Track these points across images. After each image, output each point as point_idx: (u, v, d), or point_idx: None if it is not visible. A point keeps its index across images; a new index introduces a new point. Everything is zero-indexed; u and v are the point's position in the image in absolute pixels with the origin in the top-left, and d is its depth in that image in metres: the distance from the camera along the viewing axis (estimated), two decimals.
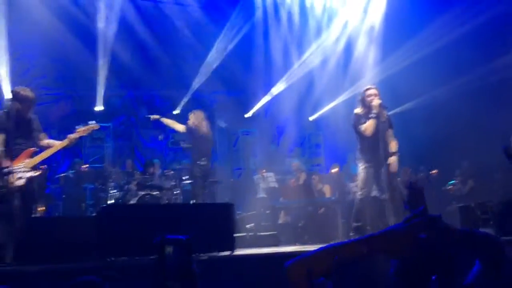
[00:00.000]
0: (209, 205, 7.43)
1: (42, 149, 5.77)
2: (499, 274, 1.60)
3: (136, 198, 8.38)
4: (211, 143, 8.30)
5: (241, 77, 11.98)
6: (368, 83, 8.70)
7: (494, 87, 10.05)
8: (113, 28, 10.14)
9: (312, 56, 11.52)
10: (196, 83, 11.63)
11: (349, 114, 7.08)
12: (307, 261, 1.51)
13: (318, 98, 12.22)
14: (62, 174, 10.34)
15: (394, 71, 10.65)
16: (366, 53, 11.42)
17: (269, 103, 12.51)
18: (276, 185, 9.91)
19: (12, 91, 5.62)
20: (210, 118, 9.97)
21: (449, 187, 10.11)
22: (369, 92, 6.44)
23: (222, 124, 11.14)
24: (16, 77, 9.40)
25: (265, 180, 9.79)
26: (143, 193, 8.46)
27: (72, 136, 5.85)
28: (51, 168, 9.65)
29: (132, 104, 13.18)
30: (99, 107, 11.15)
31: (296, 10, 11.52)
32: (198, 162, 7.96)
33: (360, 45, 11.49)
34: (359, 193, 6.49)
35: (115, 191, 9.01)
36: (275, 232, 8.36)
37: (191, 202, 8.03)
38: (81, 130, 5.96)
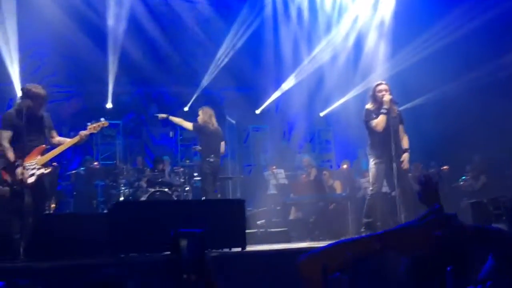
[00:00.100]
0: (220, 201, 7.46)
1: (54, 146, 5.81)
2: None
3: (147, 195, 8.42)
4: (220, 139, 8.27)
5: (251, 73, 11.95)
6: (378, 78, 8.67)
7: (504, 82, 9.98)
8: (122, 26, 10.16)
9: (322, 51, 11.47)
10: (206, 80, 11.64)
11: (360, 109, 7.06)
12: (319, 256, 1.50)
13: (328, 94, 12.17)
14: (73, 171, 10.41)
15: (404, 66, 10.59)
16: (376, 48, 11.34)
17: (279, 99, 12.49)
18: (286, 181, 9.90)
19: (23, 89, 5.65)
20: (220, 115, 9.99)
21: (461, 183, 10.03)
22: (380, 87, 6.41)
23: (232, 120, 11.13)
24: (27, 75, 9.46)
25: (275, 177, 9.79)
26: (153, 190, 8.49)
27: (83, 133, 5.89)
28: (62, 165, 9.72)
29: (141, 101, 13.22)
30: (109, 105, 11.20)
31: (305, 5, 11.46)
32: (207, 159, 7.97)
33: (370, 41, 11.41)
34: (370, 188, 6.48)
35: (125, 188, 9.05)
36: (286, 229, 8.37)
37: (202, 199, 8.04)
38: (92, 127, 6.00)
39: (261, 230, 8.19)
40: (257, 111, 12.86)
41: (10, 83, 9.42)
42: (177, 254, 1.51)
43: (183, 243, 1.52)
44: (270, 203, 9.68)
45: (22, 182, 5.29)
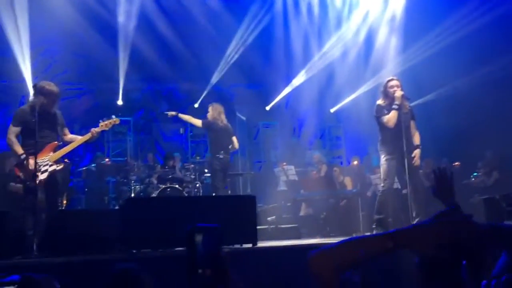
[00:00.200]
0: (231, 198, 7.47)
1: (66, 143, 5.86)
2: None
3: (157, 191, 8.46)
4: (230, 135, 8.25)
5: (261, 69, 11.93)
6: (389, 74, 8.60)
7: None
8: (133, 23, 10.19)
9: (332, 47, 11.41)
10: (216, 77, 11.64)
11: (370, 105, 7.03)
12: (330, 253, 1.49)
13: (339, 90, 12.11)
14: (85, 168, 10.48)
15: (416, 61, 10.50)
16: (387, 43, 11.25)
17: (289, 95, 12.46)
18: (296, 178, 9.90)
19: (37, 86, 5.68)
20: (230, 111, 9.99)
21: (472, 179, 9.96)
22: (391, 83, 6.38)
23: (242, 117, 11.13)
24: (39, 73, 9.53)
25: (286, 173, 9.79)
26: (164, 186, 8.53)
27: (95, 130, 5.93)
28: (73, 162, 9.78)
29: (152, 98, 13.26)
30: (120, 102, 11.26)
31: (316, 1, 11.41)
32: (216, 156, 7.98)
33: (381, 36, 11.33)
34: (381, 185, 6.46)
35: (136, 184, 9.09)
36: (296, 225, 8.37)
37: (213, 195, 8.06)
38: (103, 124, 6.04)
39: (271, 226, 8.21)
40: (267, 108, 12.85)
41: (22, 80, 9.49)
42: (193, 248, 1.52)
43: (199, 237, 1.52)
44: (281, 199, 9.69)
45: (35, 178, 5.33)
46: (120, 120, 6.53)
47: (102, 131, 6.13)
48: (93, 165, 10.47)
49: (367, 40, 11.53)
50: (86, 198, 9.91)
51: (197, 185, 9.02)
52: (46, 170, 5.52)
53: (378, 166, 7.34)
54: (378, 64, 11.25)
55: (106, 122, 6.08)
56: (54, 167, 5.60)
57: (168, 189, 8.44)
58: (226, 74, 11.54)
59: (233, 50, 11.28)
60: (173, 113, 8.62)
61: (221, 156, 7.95)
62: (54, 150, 5.67)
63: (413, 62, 10.50)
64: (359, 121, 11.05)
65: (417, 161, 6.27)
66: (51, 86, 5.71)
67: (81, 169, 10.49)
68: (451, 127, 10.46)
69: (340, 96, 12.28)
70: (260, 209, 8.57)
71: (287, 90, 12.29)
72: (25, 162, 5.42)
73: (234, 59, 11.33)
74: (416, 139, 6.40)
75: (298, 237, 7.79)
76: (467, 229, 1.47)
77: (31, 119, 5.45)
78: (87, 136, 5.90)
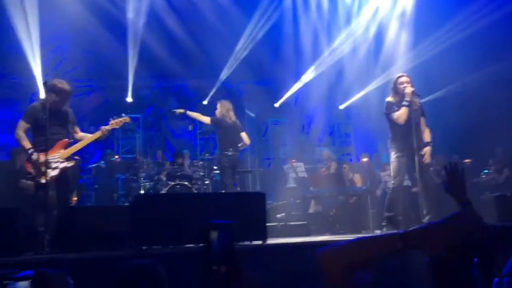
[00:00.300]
0: (241, 194, 7.45)
1: (76, 141, 5.90)
2: None
3: (167, 188, 8.47)
4: (239, 132, 8.22)
5: (270, 66, 11.92)
6: (399, 70, 8.57)
7: None
8: (142, 19, 10.21)
9: (342, 43, 11.36)
10: (225, 73, 11.64)
11: (380, 102, 7.00)
12: (339, 251, 1.49)
13: (348, 87, 12.07)
14: (94, 165, 10.52)
15: (426, 57, 10.43)
16: (398, 39, 11.19)
17: (298, 92, 12.42)
18: (305, 175, 9.88)
19: (49, 84, 5.72)
20: (239, 108, 9.98)
21: (483, 176, 9.89)
22: (401, 79, 6.35)
23: (251, 114, 11.12)
24: (49, 70, 9.59)
25: (295, 170, 9.77)
26: (173, 183, 8.54)
27: (105, 128, 5.96)
28: (83, 159, 9.83)
29: (161, 95, 13.28)
30: (129, 99, 11.30)
31: None
32: (225, 153, 7.96)
33: (391, 31, 11.26)
34: (392, 182, 6.43)
35: (146, 181, 9.12)
36: (305, 222, 8.36)
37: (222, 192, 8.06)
38: (114, 123, 6.08)
39: (281, 223, 8.20)
40: (276, 104, 12.83)
41: (32, 77, 9.56)
42: (207, 245, 1.52)
43: (214, 234, 1.53)
44: (290, 196, 9.67)
45: (46, 175, 5.36)
46: (130, 117, 6.55)
47: (112, 129, 6.16)
48: (102, 162, 10.52)
49: (377, 36, 11.46)
50: (96, 195, 9.95)
51: (206, 182, 9.04)
52: (57, 167, 5.56)
53: (388, 163, 7.31)
54: (388, 60, 11.19)
55: (116, 121, 6.11)
56: (65, 164, 5.63)
57: (177, 186, 8.44)
58: (235, 70, 11.53)
59: (242, 47, 11.26)
60: (181, 110, 8.61)
61: (229, 153, 7.94)
62: (65, 147, 5.71)
63: (424, 58, 10.43)
64: (368, 118, 11.01)
65: (427, 158, 6.23)
66: (63, 84, 5.74)
67: (91, 166, 10.53)
68: (462, 124, 10.39)
69: (349, 92, 12.23)
70: (269, 206, 8.56)
71: (296, 87, 12.25)
72: (34, 157, 5.46)
73: (243, 55, 11.32)
74: (427, 136, 6.37)
75: (308, 234, 7.78)
76: (478, 231, 1.46)
77: (42, 116, 5.49)
78: (98, 134, 5.94)
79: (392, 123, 6.31)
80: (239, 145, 8.13)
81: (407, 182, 6.88)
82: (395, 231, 5.96)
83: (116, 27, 10.38)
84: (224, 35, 11.17)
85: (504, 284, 1.62)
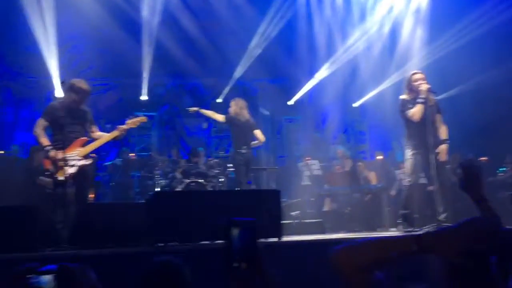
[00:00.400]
0: (256, 192, 7.47)
1: (94, 139, 5.97)
2: None
3: (182, 186, 8.52)
4: (253, 130, 8.20)
5: (284, 64, 11.90)
6: (414, 67, 8.50)
7: None
8: (157, 18, 10.26)
9: (356, 40, 11.29)
10: (239, 71, 11.65)
11: (395, 100, 6.95)
12: (353, 251, 1.49)
13: (363, 84, 12.00)
14: (110, 163, 10.62)
15: (441, 54, 10.33)
16: (413, 36, 11.08)
17: (312, 89, 12.38)
18: (320, 172, 9.86)
19: (68, 83, 5.81)
20: (254, 106, 10.00)
21: (500, 174, 9.78)
22: (415, 76, 6.29)
23: (265, 112, 11.13)
24: (65, 69, 9.69)
25: (309, 168, 9.76)
26: (188, 180, 8.58)
27: (122, 127, 6.03)
28: (100, 156, 9.92)
29: (176, 93, 13.32)
30: (144, 97, 11.37)
31: None
32: (239, 150, 7.96)
33: (406, 28, 11.16)
34: (407, 180, 6.38)
35: (161, 179, 9.18)
36: (320, 220, 8.36)
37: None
38: (130, 122, 6.15)
39: (295, 221, 8.20)
40: (290, 102, 12.82)
41: (48, 76, 9.67)
42: (229, 242, 1.54)
43: (235, 231, 1.54)
44: (304, 194, 9.67)
45: (64, 172, 5.44)
46: (145, 115, 6.60)
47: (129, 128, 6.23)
48: (118, 159, 10.61)
49: (392, 33, 11.37)
50: (112, 193, 10.04)
51: (221, 179, 9.07)
52: (74, 165, 5.63)
53: (402, 161, 7.28)
54: (403, 57, 11.09)
55: (133, 120, 6.19)
56: (83, 161, 5.71)
57: (193, 184, 8.48)
58: (249, 68, 11.53)
59: (256, 45, 11.26)
60: (195, 108, 8.63)
61: (243, 151, 7.93)
62: (83, 145, 5.79)
63: (439, 55, 10.33)
64: (383, 116, 10.95)
65: (443, 156, 6.16)
66: (82, 84, 5.83)
67: (107, 163, 10.63)
68: (478, 122, 10.28)
69: (364, 90, 12.16)
70: (284, 203, 8.56)
71: (310, 85, 12.22)
72: (52, 154, 5.53)
73: (257, 53, 11.32)
74: (443, 133, 6.27)
75: (323, 232, 7.77)
76: (495, 235, 1.46)
77: (61, 114, 5.57)
78: (115, 133, 6.01)
79: (407, 120, 6.26)
80: (254, 142, 8.13)
81: (423, 180, 6.84)
82: (411, 228, 5.95)
83: (131, 26, 10.45)
84: (238, 33, 11.18)
85: None
